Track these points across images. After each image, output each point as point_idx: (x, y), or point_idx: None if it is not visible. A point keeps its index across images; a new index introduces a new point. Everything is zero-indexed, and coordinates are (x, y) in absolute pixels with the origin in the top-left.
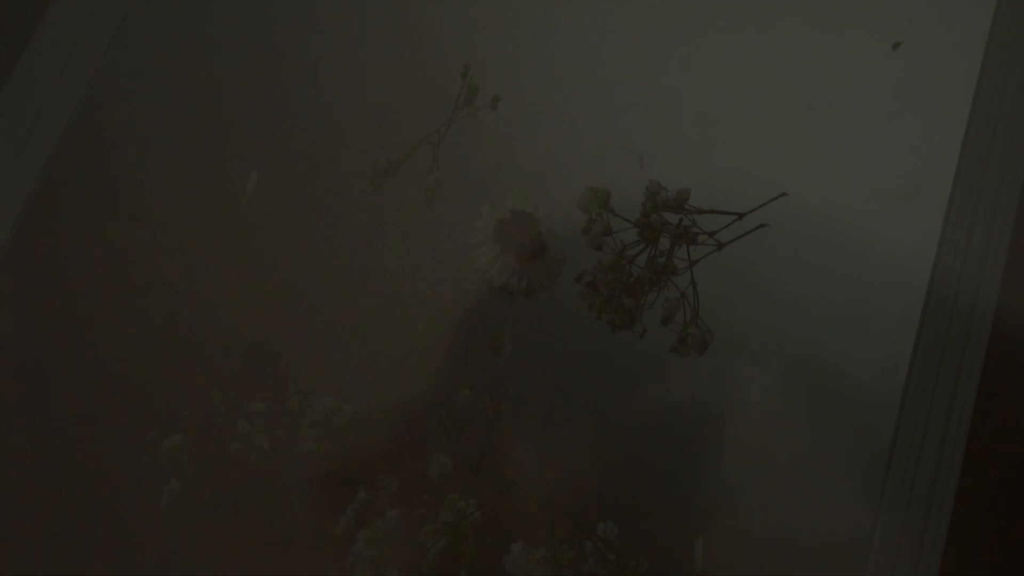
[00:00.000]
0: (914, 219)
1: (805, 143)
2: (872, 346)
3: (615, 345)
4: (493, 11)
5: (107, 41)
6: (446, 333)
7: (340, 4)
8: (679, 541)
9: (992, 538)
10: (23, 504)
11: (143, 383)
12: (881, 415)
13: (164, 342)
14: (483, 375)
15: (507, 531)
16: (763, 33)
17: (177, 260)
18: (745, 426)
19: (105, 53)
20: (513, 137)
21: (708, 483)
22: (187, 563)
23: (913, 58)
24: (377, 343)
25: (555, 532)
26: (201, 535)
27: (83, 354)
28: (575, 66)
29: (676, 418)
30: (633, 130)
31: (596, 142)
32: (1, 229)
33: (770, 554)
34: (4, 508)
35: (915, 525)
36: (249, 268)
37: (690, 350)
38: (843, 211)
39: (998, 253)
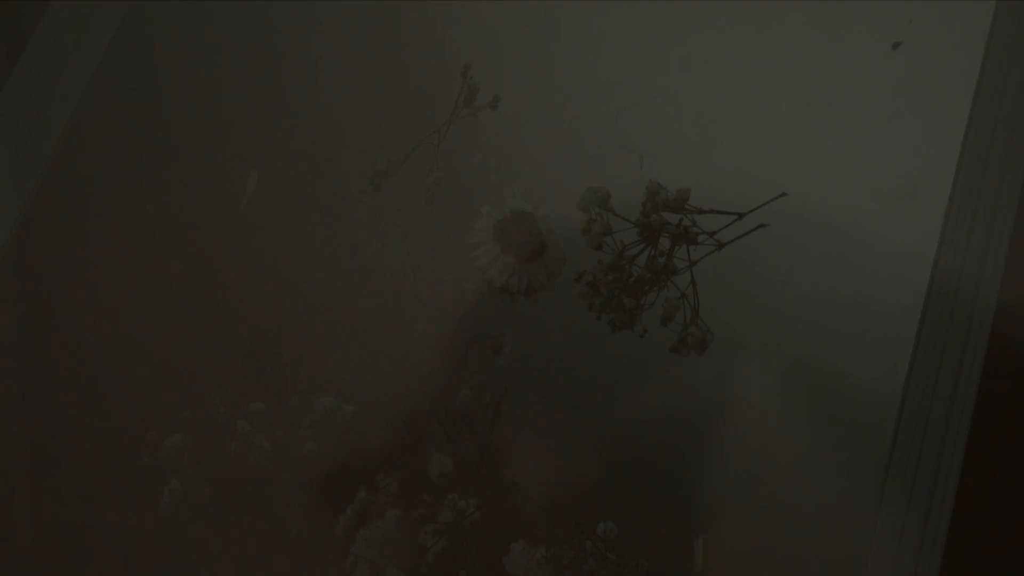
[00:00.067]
0: (914, 219)
1: (805, 143)
2: (872, 346)
3: (615, 345)
4: (493, 11)
5: (107, 41)
6: (446, 333)
7: (340, 4)
8: (679, 541)
9: (992, 538)
10: (23, 504)
11: (143, 383)
12: (881, 415)
13: (164, 342)
14: (483, 375)
15: (507, 531)
16: (763, 33)
17: (177, 260)
18: (745, 426)
19: (105, 53)
20: (513, 137)
21: (708, 483)
22: (187, 563)
23: (913, 58)
24: (377, 343)
25: (555, 532)
26: (201, 535)
27: (83, 354)
28: (575, 66)
29: (676, 418)
30: (633, 130)
31: (596, 142)
32: (1, 229)
33: (770, 554)
34: (4, 508)
35: (915, 525)
36: (249, 268)
37: (690, 350)
38: (843, 211)
39: (998, 253)
